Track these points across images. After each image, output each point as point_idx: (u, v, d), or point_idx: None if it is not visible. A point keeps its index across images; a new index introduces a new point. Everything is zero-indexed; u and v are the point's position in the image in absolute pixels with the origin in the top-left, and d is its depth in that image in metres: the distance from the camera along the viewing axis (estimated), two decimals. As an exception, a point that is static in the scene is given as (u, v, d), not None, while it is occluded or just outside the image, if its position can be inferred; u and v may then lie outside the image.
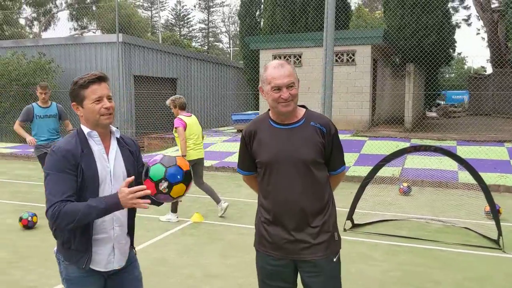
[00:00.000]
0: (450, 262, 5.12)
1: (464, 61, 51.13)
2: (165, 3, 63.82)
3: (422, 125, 15.91)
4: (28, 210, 6.80)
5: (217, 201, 6.88)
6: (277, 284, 2.55)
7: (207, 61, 22.39)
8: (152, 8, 60.67)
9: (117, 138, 2.46)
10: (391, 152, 6.81)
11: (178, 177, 2.27)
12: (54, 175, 2.23)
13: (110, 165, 2.36)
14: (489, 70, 30.86)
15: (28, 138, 6.96)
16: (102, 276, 2.40)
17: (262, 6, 21.84)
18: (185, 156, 6.45)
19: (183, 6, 62.22)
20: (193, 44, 53.32)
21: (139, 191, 2.17)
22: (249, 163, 2.64)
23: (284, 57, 16.28)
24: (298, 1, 18.69)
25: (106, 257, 2.36)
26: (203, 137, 7.02)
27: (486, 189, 5.64)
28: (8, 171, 11.58)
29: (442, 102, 29.88)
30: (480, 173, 5.83)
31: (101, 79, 2.33)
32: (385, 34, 15.57)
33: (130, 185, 2.25)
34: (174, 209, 6.70)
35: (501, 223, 5.68)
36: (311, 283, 2.50)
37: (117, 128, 2.49)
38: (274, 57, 16.54)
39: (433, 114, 24.69)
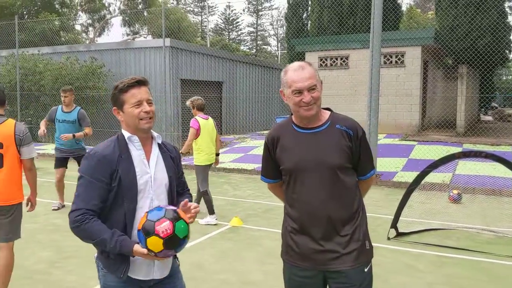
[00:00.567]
0: (500, 276, 4.79)
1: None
2: (215, 7, 64.76)
3: (476, 129, 15.24)
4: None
5: (211, 212, 6.74)
6: None
7: (253, 64, 22.41)
8: (202, 13, 61.63)
9: (158, 143, 2.42)
10: (441, 157, 6.49)
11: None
12: (86, 180, 2.22)
13: (150, 171, 2.31)
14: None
15: (40, 130, 7.16)
16: (142, 287, 2.35)
17: (309, 8, 21.67)
18: (183, 154, 6.42)
19: (232, 10, 62.67)
20: (242, 47, 53.73)
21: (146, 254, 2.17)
22: (273, 170, 2.55)
23: (330, 59, 16.05)
24: (346, 2, 18.41)
25: (145, 266, 2.31)
26: (220, 143, 6.93)
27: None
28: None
29: (497, 105, 28.60)
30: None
31: (140, 83, 2.30)
32: (436, 35, 15.05)
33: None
34: (211, 210, 6.68)
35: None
36: None
37: (158, 134, 2.46)
38: (320, 59, 16.34)
39: (489, 118, 23.64)
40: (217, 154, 7.06)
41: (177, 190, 2.47)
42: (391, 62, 15.07)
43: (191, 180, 6.86)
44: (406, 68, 14.92)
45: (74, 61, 16.85)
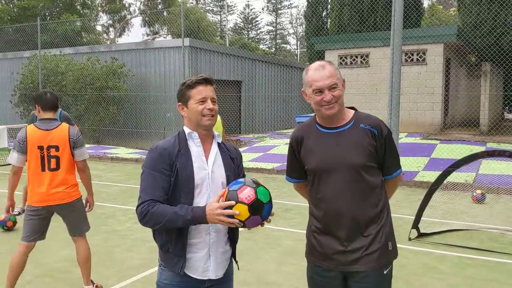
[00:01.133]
0: (527, 279, 4.67)
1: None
2: (234, 7, 64.80)
3: (500, 127, 14.92)
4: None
5: None
6: None
7: (272, 63, 22.37)
8: (221, 12, 61.79)
9: (218, 143, 2.45)
10: (464, 156, 6.36)
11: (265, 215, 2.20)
12: (149, 173, 2.28)
13: (208, 168, 2.34)
14: None
15: None
16: (197, 287, 2.35)
17: (329, 6, 21.52)
18: None
19: (251, 9, 62.61)
20: (261, 46, 53.69)
21: (228, 207, 2.12)
22: (298, 170, 2.55)
23: (351, 57, 15.90)
24: (366, 0, 18.21)
25: (202, 264, 2.32)
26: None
27: None
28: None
29: None
30: None
31: (207, 81, 2.36)
32: (459, 32, 14.78)
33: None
34: None
35: None
36: None
37: (219, 134, 2.49)
38: (340, 58, 16.21)
39: (513, 116, 23.15)
40: None
41: None
42: (412, 60, 14.85)
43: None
44: (428, 65, 14.69)
45: (95, 61, 17.05)
